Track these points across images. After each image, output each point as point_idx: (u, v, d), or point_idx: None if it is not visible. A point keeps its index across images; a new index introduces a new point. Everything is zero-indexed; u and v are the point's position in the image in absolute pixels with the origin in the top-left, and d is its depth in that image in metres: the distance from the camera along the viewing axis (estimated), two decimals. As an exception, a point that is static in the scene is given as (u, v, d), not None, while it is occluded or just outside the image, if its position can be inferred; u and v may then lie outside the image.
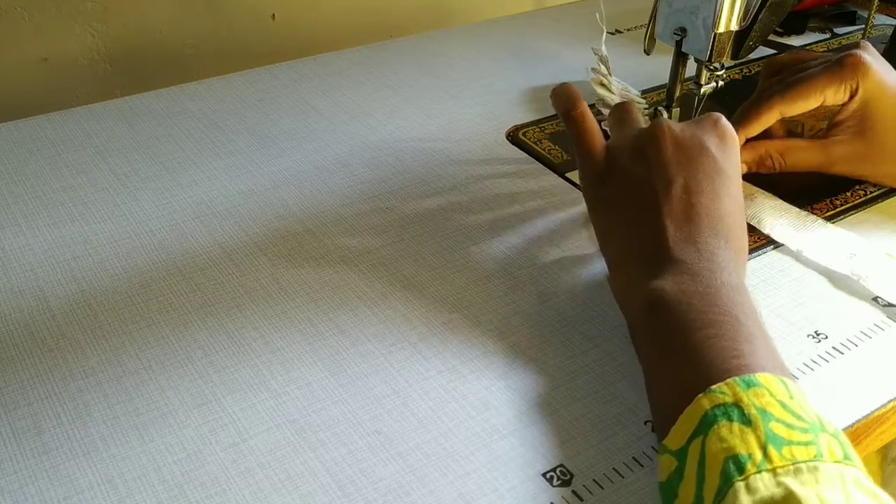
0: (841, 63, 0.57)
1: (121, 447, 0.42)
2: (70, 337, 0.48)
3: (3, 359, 0.47)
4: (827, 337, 0.49)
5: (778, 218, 0.57)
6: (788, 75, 0.60)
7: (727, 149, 0.48)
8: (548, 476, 0.41)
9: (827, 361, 0.48)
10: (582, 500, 0.40)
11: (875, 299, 0.52)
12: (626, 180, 0.48)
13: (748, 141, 0.59)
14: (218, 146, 0.66)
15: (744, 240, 0.47)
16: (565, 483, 0.41)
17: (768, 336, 0.41)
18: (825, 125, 0.60)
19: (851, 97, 0.57)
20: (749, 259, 0.55)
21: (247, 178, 0.63)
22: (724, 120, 0.49)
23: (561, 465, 0.42)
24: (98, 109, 0.71)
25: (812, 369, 0.47)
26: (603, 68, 0.70)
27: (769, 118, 0.58)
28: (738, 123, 0.59)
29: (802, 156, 0.59)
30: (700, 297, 0.42)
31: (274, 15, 0.96)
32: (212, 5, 0.92)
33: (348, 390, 0.45)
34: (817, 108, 0.58)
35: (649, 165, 0.48)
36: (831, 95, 0.57)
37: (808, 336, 0.49)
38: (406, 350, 0.48)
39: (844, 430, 0.44)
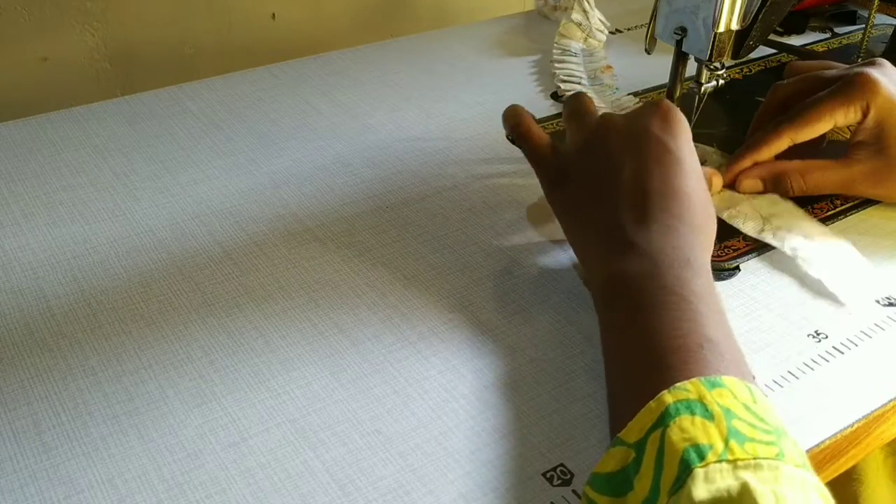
0: (849, 83, 0.56)
1: (121, 447, 0.42)
2: (70, 337, 0.48)
3: (3, 359, 0.47)
4: (827, 337, 0.49)
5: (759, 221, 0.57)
6: (798, 101, 0.59)
7: (672, 128, 0.49)
8: (548, 476, 0.41)
9: (827, 361, 0.48)
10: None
11: (877, 301, 0.52)
12: (580, 179, 0.50)
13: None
14: (218, 146, 0.66)
15: (705, 215, 0.47)
16: (565, 483, 0.41)
17: (720, 313, 0.42)
18: (848, 134, 0.59)
19: (864, 116, 0.56)
20: (749, 259, 0.55)
21: (247, 178, 0.63)
22: (666, 102, 0.51)
23: (561, 465, 0.42)
24: (98, 109, 0.71)
25: (812, 369, 0.47)
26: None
27: (779, 144, 0.58)
28: (747, 148, 0.59)
29: (823, 176, 0.58)
30: (649, 277, 0.43)
31: (274, 15, 0.96)
32: (212, 5, 0.92)
33: (348, 390, 0.45)
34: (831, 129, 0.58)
35: (597, 160, 0.50)
36: (842, 117, 0.56)
37: (808, 336, 0.49)
38: (406, 350, 0.48)
39: (844, 430, 0.44)
